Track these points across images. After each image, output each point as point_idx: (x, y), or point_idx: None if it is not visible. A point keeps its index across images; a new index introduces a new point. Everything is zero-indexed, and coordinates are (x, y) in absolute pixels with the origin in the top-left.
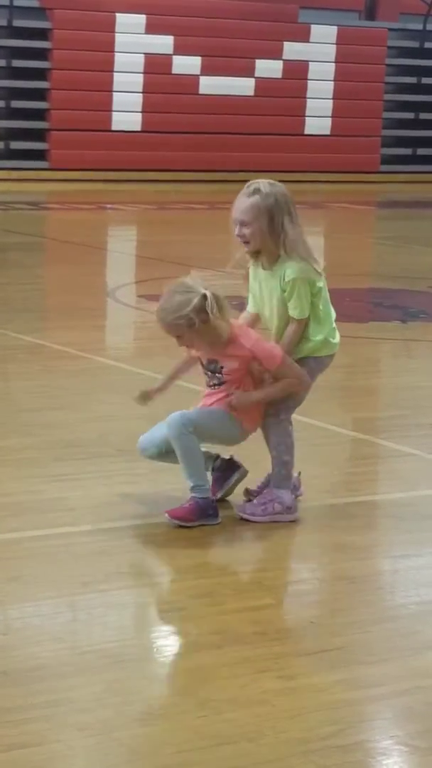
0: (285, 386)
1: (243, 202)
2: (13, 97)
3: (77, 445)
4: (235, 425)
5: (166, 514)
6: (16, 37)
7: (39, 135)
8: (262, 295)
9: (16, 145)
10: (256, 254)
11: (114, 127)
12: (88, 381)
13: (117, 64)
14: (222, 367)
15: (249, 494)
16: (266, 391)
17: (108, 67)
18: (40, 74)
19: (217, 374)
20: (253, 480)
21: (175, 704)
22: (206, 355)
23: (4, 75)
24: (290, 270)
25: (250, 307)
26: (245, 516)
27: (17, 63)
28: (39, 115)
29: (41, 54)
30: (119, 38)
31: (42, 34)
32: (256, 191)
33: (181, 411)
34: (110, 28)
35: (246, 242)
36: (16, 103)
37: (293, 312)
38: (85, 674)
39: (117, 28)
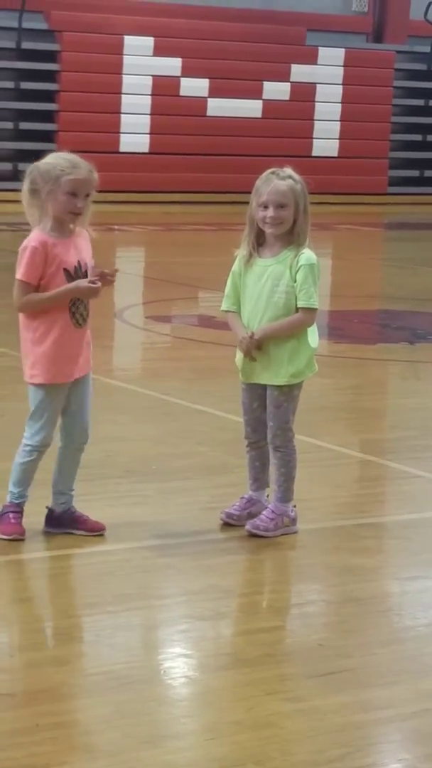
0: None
1: (279, 185)
2: (21, 119)
3: (84, 466)
4: None
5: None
6: (24, 60)
7: None
8: (257, 289)
9: (24, 166)
10: (258, 242)
11: (122, 149)
12: (95, 402)
13: (125, 86)
14: (86, 271)
15: (231, 518)
16: (282, 324)
17: (116, 89)
18: (49, 96)
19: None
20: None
21: (182, 726)
22: (78, 231)
23: (12, 97)
24: (308, 254)
25: (231, 305)
26: (259, 533)
27: (25, 85)
28: (47, 136)
29: (49, 76)
30: (127, 60)
31: (50, 56)
32: (290, 176)
33: None
34: (118, 50)
35: (278, 224)
36: (25, 125)
37: (306, 300)
38: (92, 696)
39: (125, 50)
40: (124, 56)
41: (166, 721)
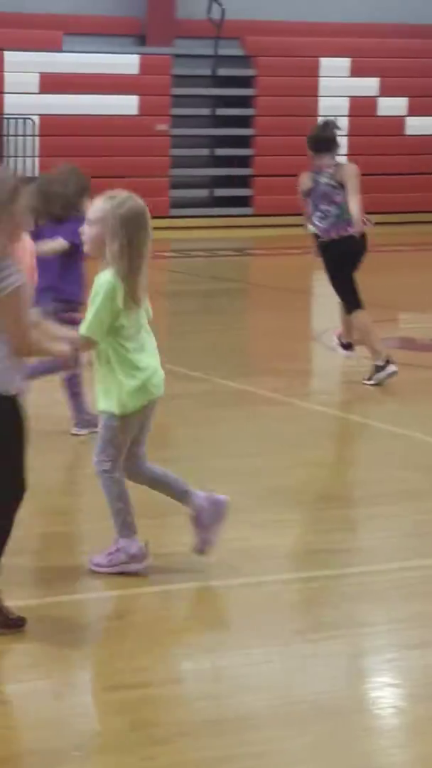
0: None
1: (95, 203)
2: (217, 145)
3: (282, 491)
4: None
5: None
6: (220, 86)
7: (243, 182)
8: None
9: (220, 192)
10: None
11: None
12: (294, 427)
13: (321, 108)
14: None
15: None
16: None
17: (312, 112)
18: (244, 121)
19: None
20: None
21: (391, 759)
22: None
23: (208, 123)
24: (101, 277)
25: None
26: (93, 567)
27: (221, 111)
28: (243, 162)
29: (245, 101)
30: (323, 82)
31: (246, 81)
32: (113, 196)
33: None
34: (314, 72)
35: (85, 242)
36: (220, 151)
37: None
38: (296, 725)
39: (321, 72)
40: (320, 78)
41: (375, 752)
